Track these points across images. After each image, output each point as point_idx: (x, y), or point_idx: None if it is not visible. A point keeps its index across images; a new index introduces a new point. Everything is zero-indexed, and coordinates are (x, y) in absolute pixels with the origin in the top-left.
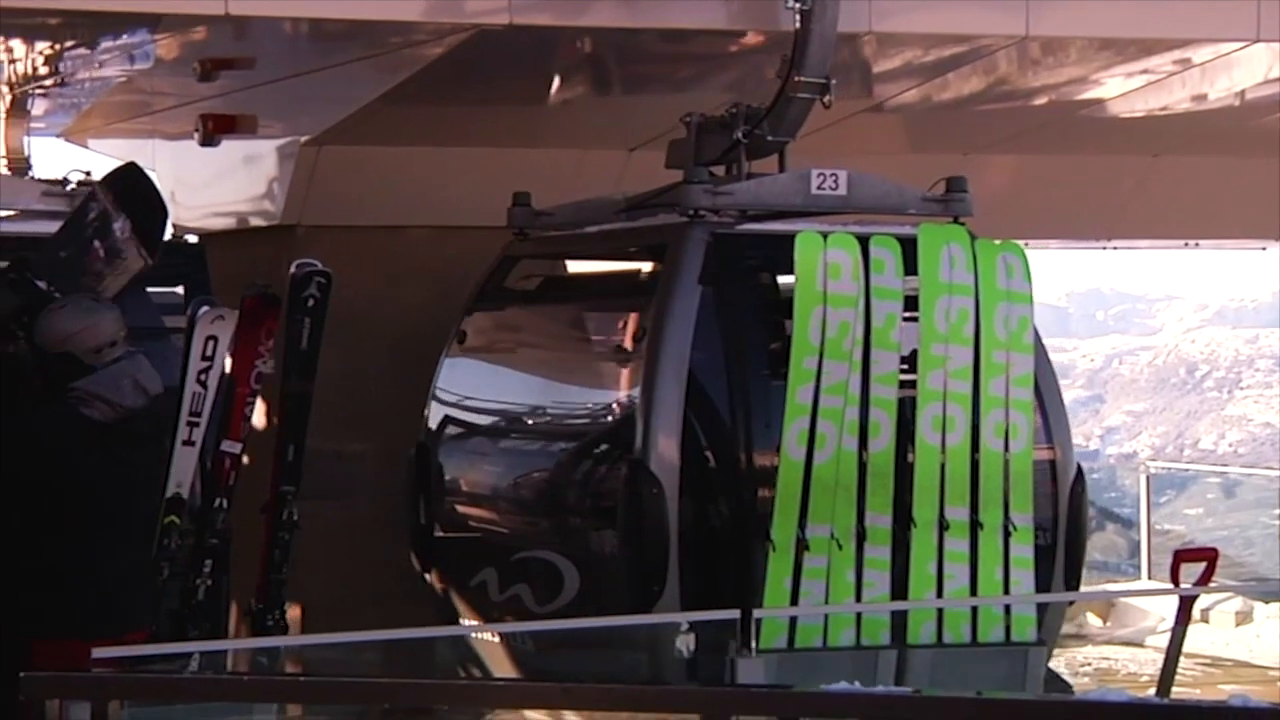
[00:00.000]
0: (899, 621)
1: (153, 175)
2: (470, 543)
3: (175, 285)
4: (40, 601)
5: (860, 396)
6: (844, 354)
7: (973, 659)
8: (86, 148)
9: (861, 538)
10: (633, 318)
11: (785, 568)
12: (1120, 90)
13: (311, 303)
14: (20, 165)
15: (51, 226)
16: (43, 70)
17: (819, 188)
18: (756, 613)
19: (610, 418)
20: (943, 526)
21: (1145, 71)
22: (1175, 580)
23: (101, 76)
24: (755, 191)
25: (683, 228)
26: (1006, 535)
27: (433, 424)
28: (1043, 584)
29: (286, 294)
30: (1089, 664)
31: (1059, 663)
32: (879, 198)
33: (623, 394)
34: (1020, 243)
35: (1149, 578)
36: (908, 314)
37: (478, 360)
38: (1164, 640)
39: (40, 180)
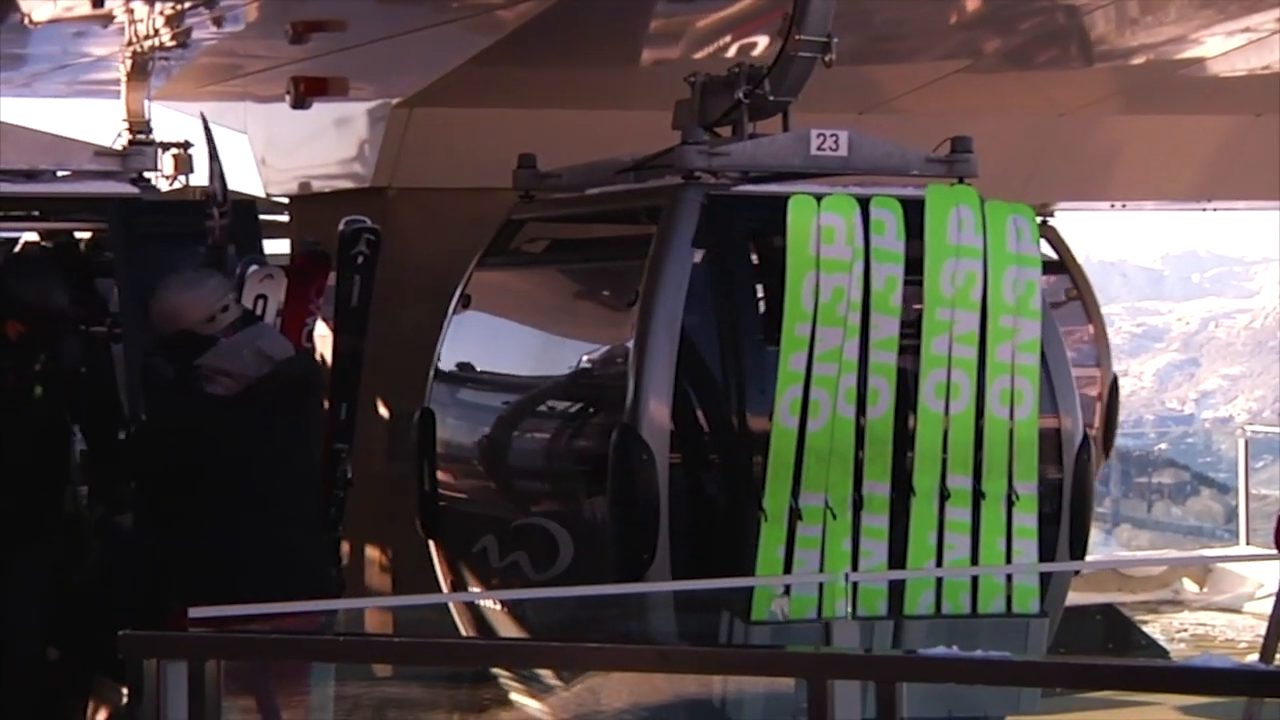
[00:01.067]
0: (896, 592)
1: (243, 138)
2: (471, 510)
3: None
4: (203, 585)
5: (859, 362)
6: (838, 319)
7: (970, 631)
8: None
9: (858, 506)
10: (628, 282)
11: (778, 537)
12: (1221, 49)
13: (361, 260)
14: (141, 128)
15: (104, 187)
16: (164, 32)
17: (819, 148)
18: (853, 576)
19: (603, 383)
20: (944, 495)
21: (1246, 30)
22: (1279, 545)
23: (199, 39)
24: (753, 152)
25: (677, 189)
26: (1010, 505)
27: (436, 389)
28: (1046, 553)
29: (336, 251)
30: (1184, 630)
31: (1154, 629)
32: (881, 158)
33: (615, 359)
34: (1115, 204)
35: (1247, 543)
36: (910, 277)
37: (480, 324)
38: (1262, 607)
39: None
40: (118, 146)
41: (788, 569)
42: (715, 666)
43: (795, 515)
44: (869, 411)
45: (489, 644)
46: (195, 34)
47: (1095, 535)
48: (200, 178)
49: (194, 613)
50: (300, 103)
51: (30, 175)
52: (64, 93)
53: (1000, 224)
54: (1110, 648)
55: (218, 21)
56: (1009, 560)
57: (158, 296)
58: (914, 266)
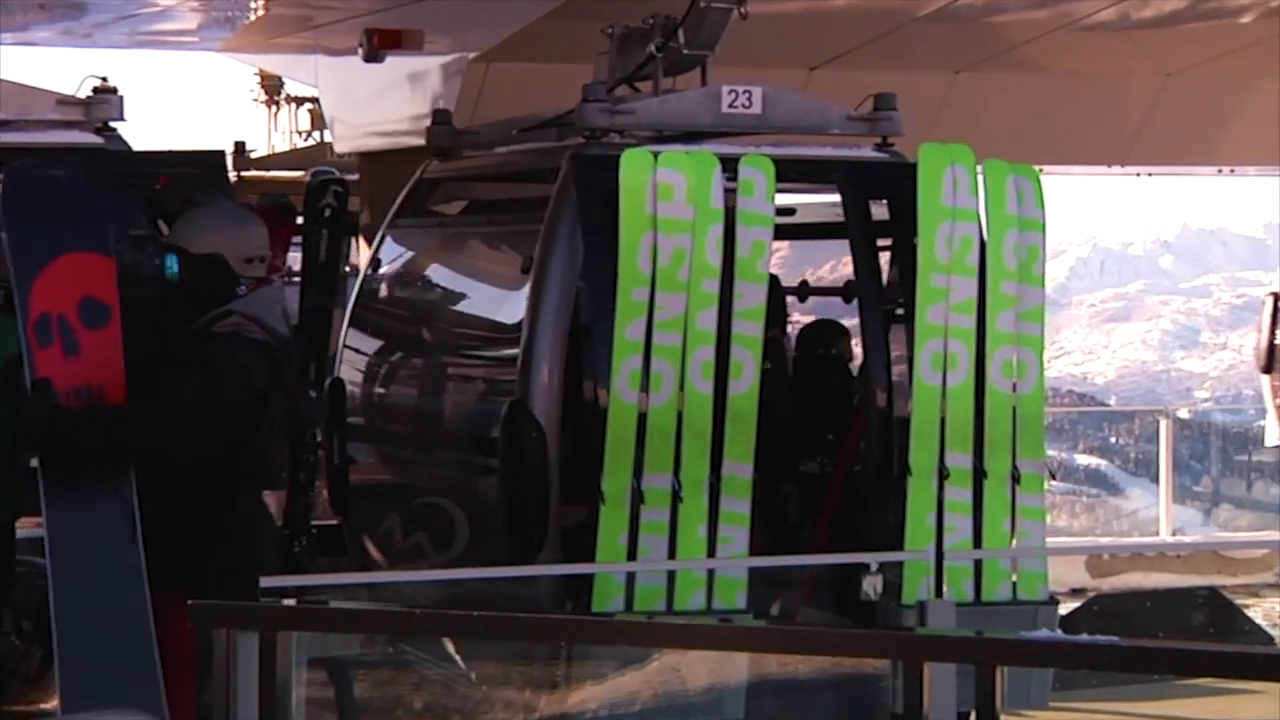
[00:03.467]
0: (894, 579)
1: (315, 91)
2: (376, 486)
3: None
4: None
5: (718, 333)
6: (679, 285)
7: (975, 619)
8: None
9: (716, 489)
10: (529, 247)
11: (619, 522)
12: None
13: (329, 213)
14: (274, 85)
15: (66, 137)
16: None
17: (731, 105)
18: (902, 555)
19: (496, 355)
20: (943, 475)
21: None
22: None
23: None
24: (659, 110)
25: (576, 150)
26: (1014, 484)
27: (345, 357)
28: None
29: (304, 205)
30: None
31: (1256, 613)
32: (798, 116)
33: (508, 330)
34: (1221, 169)
35: None
36: (881, 243)
37: (387, 289)
38: None
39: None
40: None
41: (631, 557)
42: (806, 646)
43: (638, 498)
44: (731, 386)
45: (567, 619)
46: None
47: (1193, 515)
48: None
49: (265, 582)
50: (373, 56)
51: None
52: (125, 43)
53: (1000, 185)
54: (1212, 633)
55: None
56: (1013, 543)
57: (199, 214)
58: (799, 230)
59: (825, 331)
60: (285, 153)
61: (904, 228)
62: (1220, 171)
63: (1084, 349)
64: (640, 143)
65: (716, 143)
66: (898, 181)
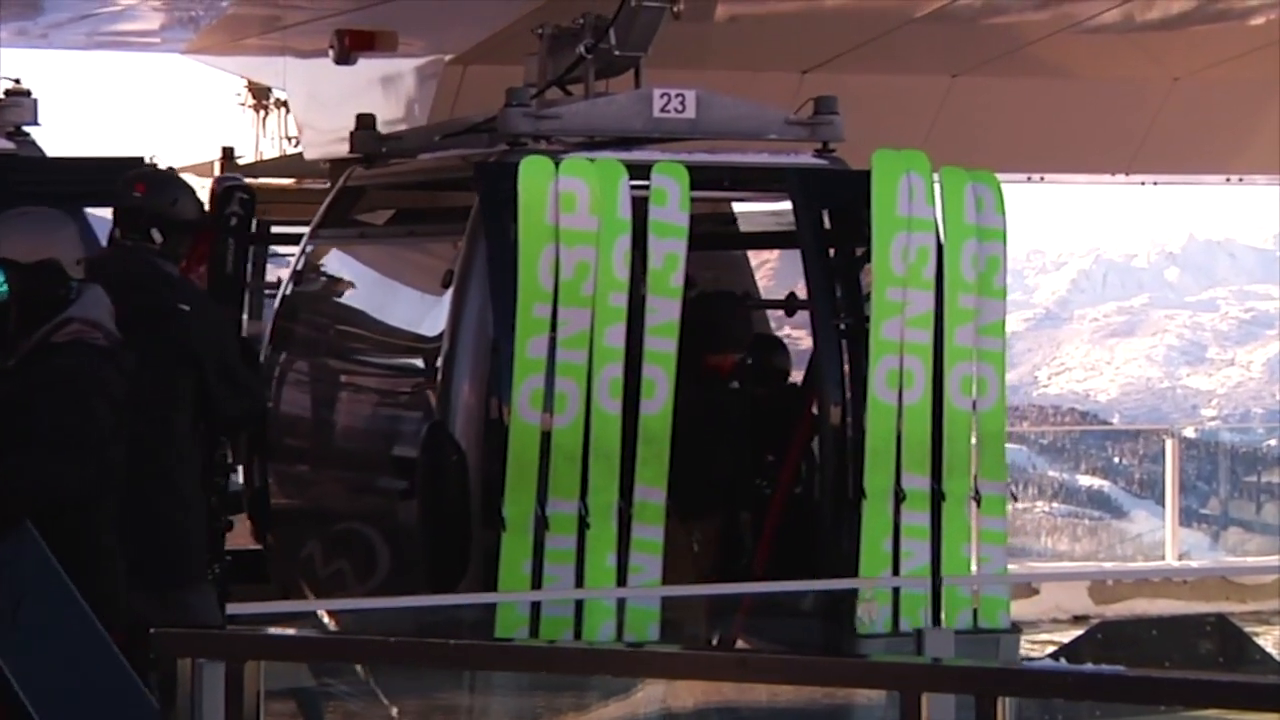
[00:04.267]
0: (847, 607)
1: (283, 94)
2: (297, 510)
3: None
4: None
5: (627, 350)
6: (584, 300)
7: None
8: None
9: (627, 516)
10: (446, 260)
11: (522, 550)
12: None
13: (234, 221)
14: (262, 89)
15: None
16: None
17: (663, 109)
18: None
19: (417, 374)
20: (899, 498)
21: None
22: None
23: None
24: (587, 115)
25: (480, 158)
26: (975, 506)
27: (265, 374)
28: None
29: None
30: None
31: (1266, 641)
32: (733, 121)
33: (429, 347)
34: (1230, 178)
35: None
36: (853, 251)
37: (308, 303)
38: None
39: None
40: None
41: (537, 585)
42: (801, 676)
43: (542, 524)
44: (643, 406)
45: (551, 648)
46: None
47: (1201, 538)
48: None
49: (233, 609)
50: (345, 58)
51: None
52: (84, 44)
53: (958, 193)
54: (1221, 662)
55: None
56: (977, 568)
57: (23, 221)
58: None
59: (763, 347)
60: (274, 159)
61: (857, 239)
62: (1229, 180)
63: (1086, 365)
64: (568, 149)
65: (651, 149)
66: (853, 190)
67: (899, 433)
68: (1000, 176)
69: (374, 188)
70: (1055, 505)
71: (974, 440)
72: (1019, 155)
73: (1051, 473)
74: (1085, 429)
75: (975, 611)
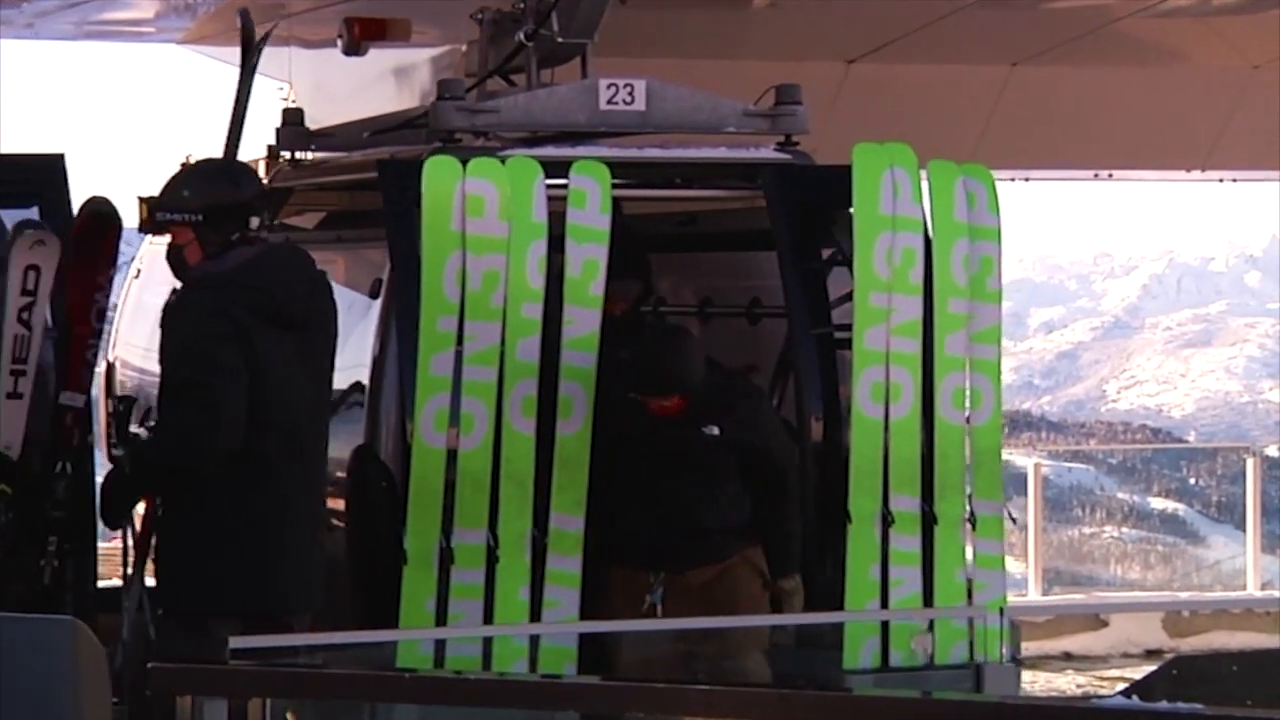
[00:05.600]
0: (834, 641)
1: (286, 88)
2: None
3: (27, 206)
4: None
5: (541, 366)
6: (493, 313)
7: (924, 684)
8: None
9: (541, 546)
10: (376, 269)
11: (426, 585)
12: None
13: None
14: None
15: None
16: None
17: (610, 102)
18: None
19: (345, 392)
20: (887, 521)
21: None
22: None
23: None
24: (526, 108)
25: (433, 155)
26: (970, 529)
27: None
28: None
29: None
30: None
31: None
32: (687, 113)
33: (356, 362)
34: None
35: None
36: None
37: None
38: None
39: None
40: None
41: (441, 623)
42: (848, 713)
43: (448, 557)
44: (560, 427)
45: (580, 684)
46: None
47: (1269, 560)
48: None
49: (235, 643)
50: (354, 48)
51: None
52: (72, 34)
53: (947, 189)
54: None
55: None
56: (970, 596)
57: None
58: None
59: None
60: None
61: (825, 240)
62: None
63: (1158, 378)
64: (507, 145)
65: (602, 145)
66: (833, 186)
67: (886, 451)
68: (1064, 174)
69: (301, 189)
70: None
71: (968, 458)
72: (1084, 151)
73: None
74: (1158, 447)
75: (971, 644)
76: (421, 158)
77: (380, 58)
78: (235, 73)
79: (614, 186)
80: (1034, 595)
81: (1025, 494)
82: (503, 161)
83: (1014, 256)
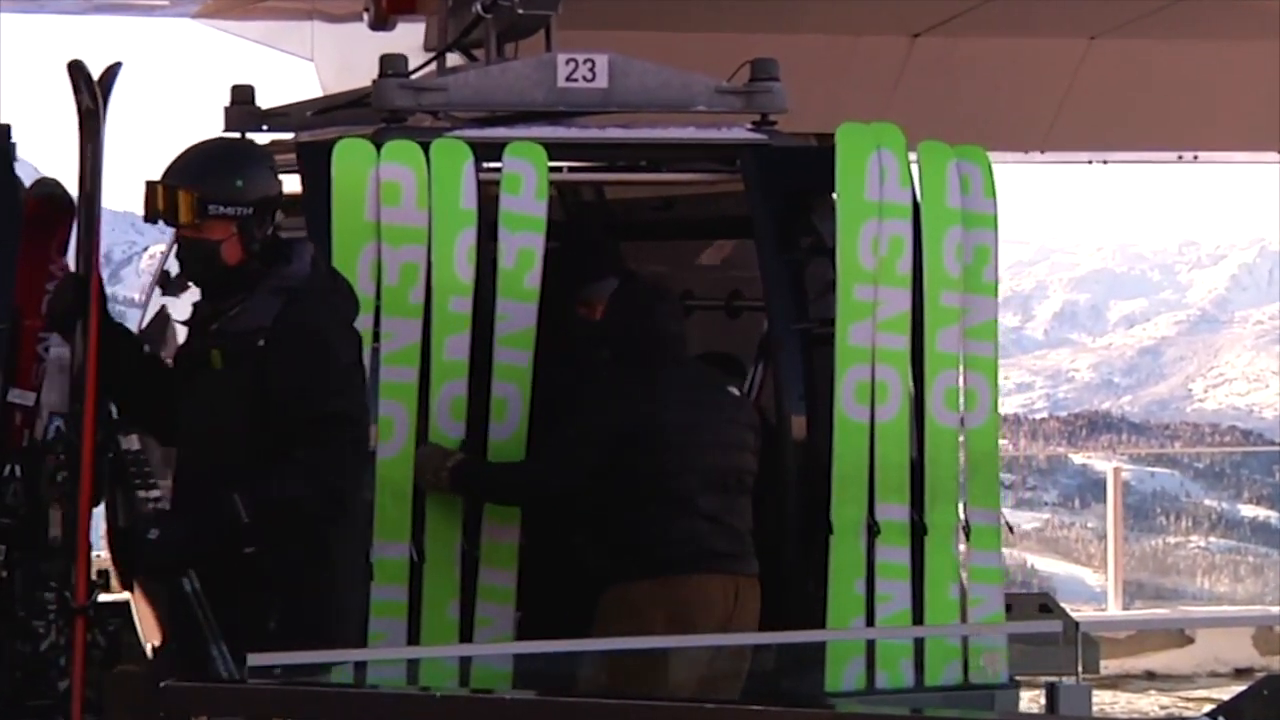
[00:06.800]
0: (815, 661)
1: (310, 65)
2: None
3: None
4: None
5: (472, 364)
6: (412, 309)
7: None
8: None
9: (471, 558)
10: None
11: None
12: None
13: None
14: None
15: None
16: None
17: (569, 78)
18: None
19: None
20: (872, 531)
21: None
22: None
23: None
24: (477, 86)
25: (379, 136)
26: (964, 540)
27: None
28: None
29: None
30: None
31: None
32: (654, 90)
33: None
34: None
35: None
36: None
37: (179, 309)
38: None
39: None
40: None
41: (362, 644)
42: None
43: (367, 572)
44: (493, 430)
45: (619, 704)
46: None
47: None
48: None
49: (253, 660)
50: (382, 22)
51: None
52: (80, 9)
53: (938, 173)
54: None
55: None
56: (964, 614)
57: None
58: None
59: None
60: None
61: (804, 227)
62: None
63: (1249, 375)
64: (457, 126)
65: (560, 124)
66: (818, 169)
67: (872, 455)
68: (1146, 156)
69: None
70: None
71: (962, 463)
72: (1168, 131)
73: (1209, 502)
74: (1248, 450)
75: (965, 664)
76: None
77: (410, 32)
78: (252, 48)
79: (577, 170)
80: (1114, 610)
81: (1104, 501)
82: (425, 146)
83: (1092, 245)
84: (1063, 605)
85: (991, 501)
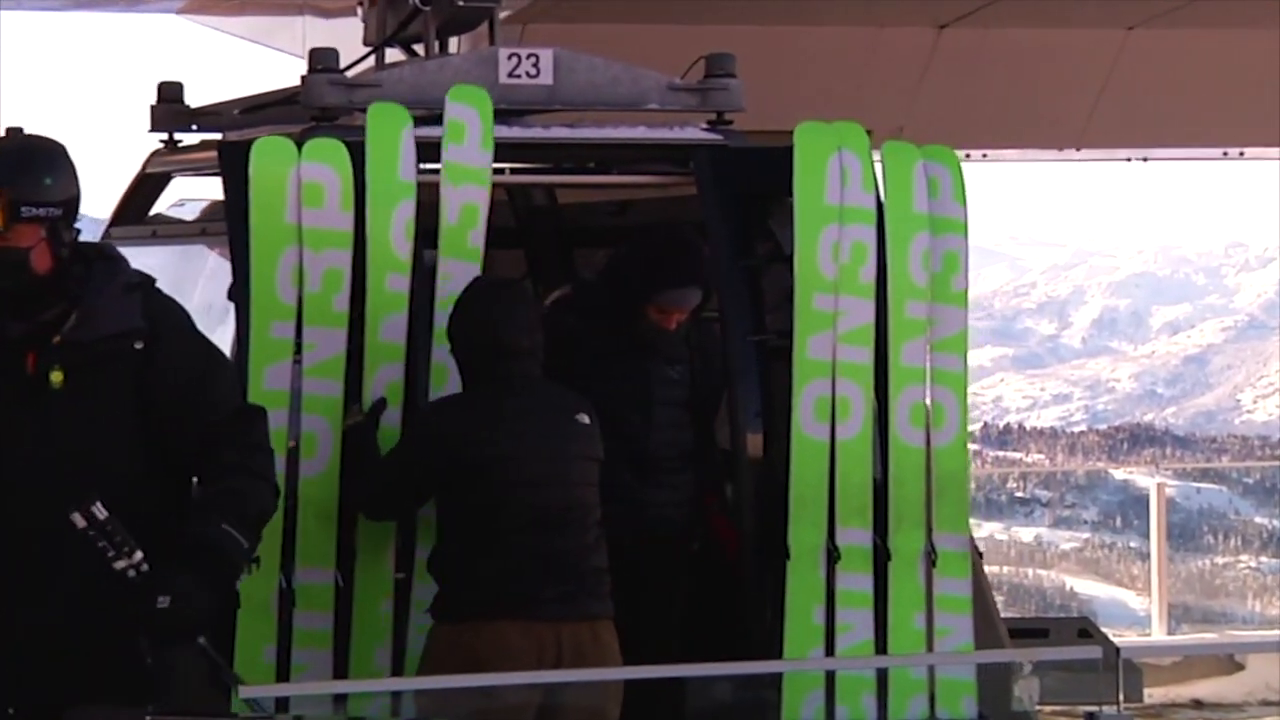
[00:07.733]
0: (772, 696)
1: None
2: None
3: None
4: None
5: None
6: (335, 318)
7: None
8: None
9: (405, 586)
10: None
11: (262, 631)
12: None
13: None
14: None
15: None
16: None
17: (512, 74)
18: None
19: None
20: (832, 557)
21: None
22: None
23: None
24: (413, 83)
25: (306, 135)
26: (929, 566)
27: None
28: None
29: None
30: None
31: None
32: (602, 87)
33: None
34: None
35: None
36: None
37: None
38: None
39: None
40: None
41: (284, 675)
42: None
43: (288, 600)
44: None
45: None
46: None
47: None
48: None
49: (245, 692)
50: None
51: None
52: (62, 4)
53: (904, 174)
54: None
55: None
56: (930, 643)
57: None
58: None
59: None
60: None
61: (757, 232)
62: None
63: None
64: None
65: (502, 123)
66: (776, 171)
67: (832, 476)
68: (1189, 152)
69: (180, 174)
70: (1263, 560)
71: (928, 484)
72: (1211, 126)
73: (1259, 519)
74: None
75: (932, 698)
76: (294, 138)
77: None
78: (237, 44)
79: (520, 172)
80: (1159, 634)
81: (1148, 518)
82: (351, 145)
83: (1133, 247)
84: (1103, 630)
85: (960, 525)
